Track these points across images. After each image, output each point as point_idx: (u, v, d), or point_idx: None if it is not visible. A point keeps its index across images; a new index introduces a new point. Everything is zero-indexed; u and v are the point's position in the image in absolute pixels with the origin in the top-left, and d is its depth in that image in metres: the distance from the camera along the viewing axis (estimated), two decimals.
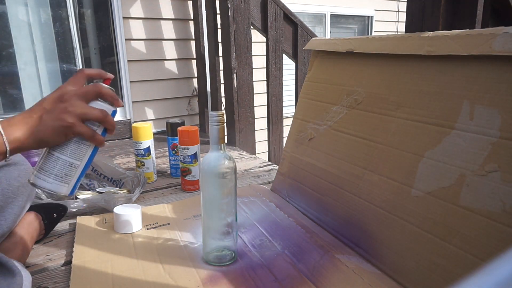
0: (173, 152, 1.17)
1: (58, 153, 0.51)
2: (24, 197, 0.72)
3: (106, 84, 0.54)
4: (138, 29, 1.82)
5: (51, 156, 0.51)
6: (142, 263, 0.69)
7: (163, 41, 1.90)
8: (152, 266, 0.68)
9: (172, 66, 1.95)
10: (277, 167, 1.29)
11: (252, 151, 1.71)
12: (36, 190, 0.81)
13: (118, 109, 0.57)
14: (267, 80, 1.67)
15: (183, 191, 1.09)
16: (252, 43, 1.62)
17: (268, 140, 1.75)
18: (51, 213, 0.82)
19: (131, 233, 0.80)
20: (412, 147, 0.62)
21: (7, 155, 0.48)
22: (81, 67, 1.78)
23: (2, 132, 0.48)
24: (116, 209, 0.81)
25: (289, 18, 1.65)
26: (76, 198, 0.95)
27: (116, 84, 1.85)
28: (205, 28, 1.84)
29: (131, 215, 0.80)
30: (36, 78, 1.72)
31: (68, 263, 0.71)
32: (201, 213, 0.67)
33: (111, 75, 0.55)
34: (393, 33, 2.91)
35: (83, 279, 0.64)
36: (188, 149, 1.05)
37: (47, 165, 0.51)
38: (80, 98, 0.50)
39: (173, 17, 1.90)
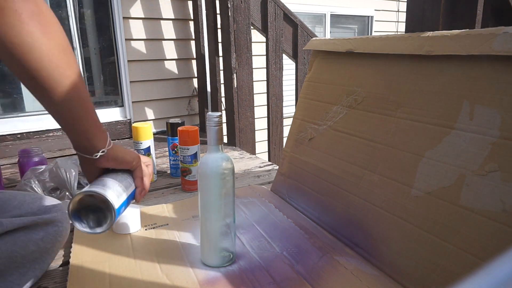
0: (173, 152, 1.17)
1: (117, 181, 0.62)
2: (34, 269, 0.61)
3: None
4: (138, 29, 1.82)
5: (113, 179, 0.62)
6: (139, 263, 0.69)
7: (163, 41, 1.90)
8: (150, 267, 0.67)
9: (172, 66, 1.95)
10: (277, 167, 1.29)
11: (252, 151, 1.71)
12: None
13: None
14: (267, 80, 1.67)
15: (183, 191, 1.09)
16: (252, 43, 1.62)
17: (268, 140, 1.75)
18: None
19: (130, 233, 0.80)
20: (412, 147, 0.62)
21: (104, 151, 0.60)
22: (81, 67, 1.78)
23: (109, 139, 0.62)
24: None
25: (289, 18, 1.65)
26: None
27: (116, 84, 1.85)
28: (205, 28, 1.84)
29: (129, 216, 0.80)
30: None
31: (68, 263, 0.71)
32: (199, 214, 0.67)
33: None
34: (393, 33, 2.91)
35: (80, 279, 0.64)
36: (188, 149, 1.05)
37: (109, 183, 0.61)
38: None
39: (173, 17, 1.90)
